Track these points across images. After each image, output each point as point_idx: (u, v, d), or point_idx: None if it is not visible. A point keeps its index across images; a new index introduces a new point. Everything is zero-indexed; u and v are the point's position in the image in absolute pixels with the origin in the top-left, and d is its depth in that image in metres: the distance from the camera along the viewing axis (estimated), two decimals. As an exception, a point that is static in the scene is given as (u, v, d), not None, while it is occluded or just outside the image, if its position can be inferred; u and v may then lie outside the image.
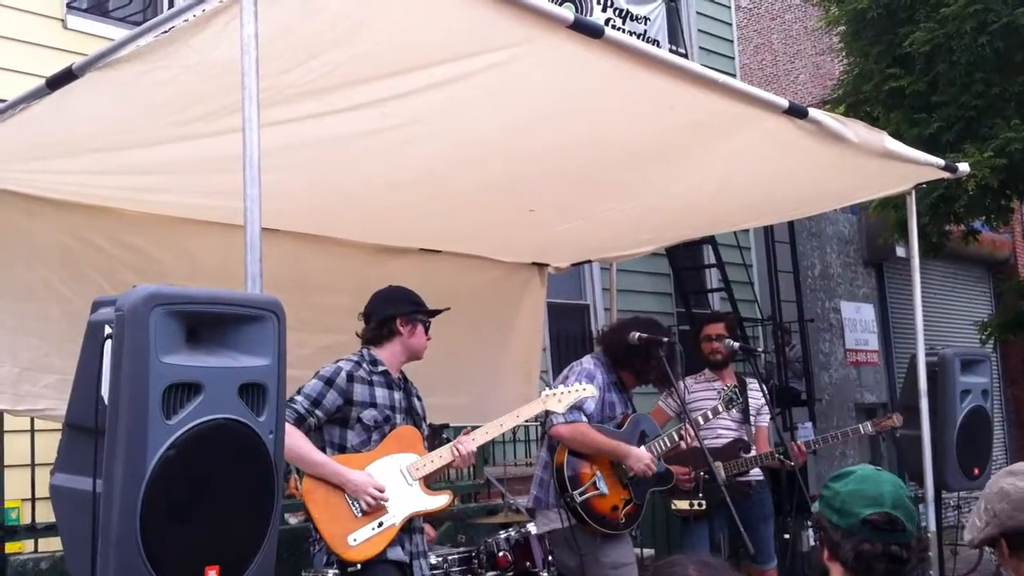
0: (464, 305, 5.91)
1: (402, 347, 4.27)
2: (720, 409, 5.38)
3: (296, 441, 3.80)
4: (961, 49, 8.22)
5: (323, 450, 4.05)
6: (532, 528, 4.93)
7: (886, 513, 2.34)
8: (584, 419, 4.79)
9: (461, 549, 4.90)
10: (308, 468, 3.94)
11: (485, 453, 8.08)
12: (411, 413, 4.29)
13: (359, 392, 4.11)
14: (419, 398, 4.40)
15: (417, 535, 4.18)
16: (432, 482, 4.23)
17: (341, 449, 4.07)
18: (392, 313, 4.26)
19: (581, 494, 4.74)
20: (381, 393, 4.17)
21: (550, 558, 4.92)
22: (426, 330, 4.33)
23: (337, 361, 4.17)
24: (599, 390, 4.87)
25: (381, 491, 3.95)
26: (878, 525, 2.33)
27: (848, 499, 2.38)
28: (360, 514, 3.93)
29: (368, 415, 4.10)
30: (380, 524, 3.96)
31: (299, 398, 3.98)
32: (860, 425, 5.82)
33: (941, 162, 5.14)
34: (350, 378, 4.10)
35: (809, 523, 2.30)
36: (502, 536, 4.86)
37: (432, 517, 5.06)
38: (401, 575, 4.04)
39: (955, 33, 8.20)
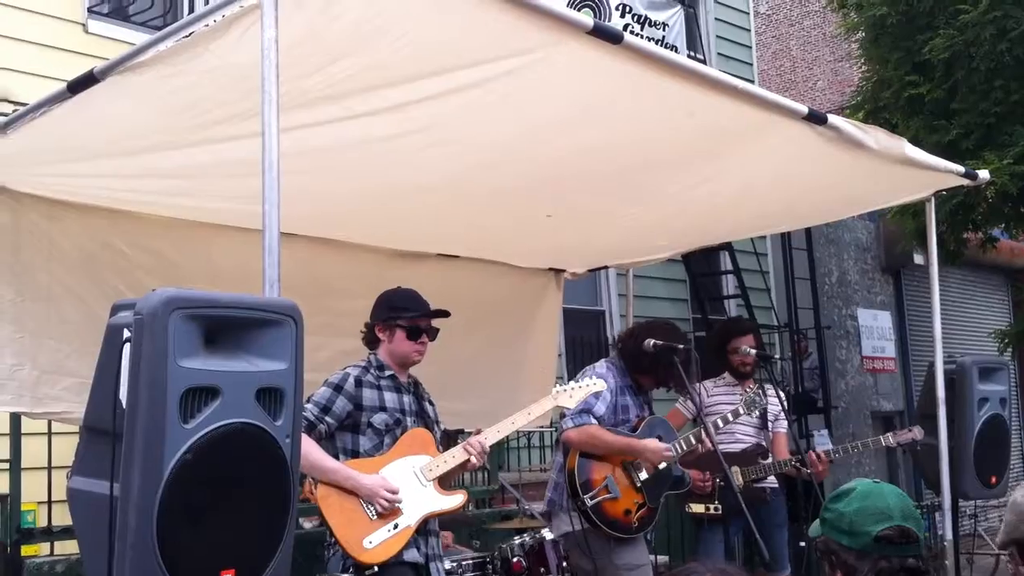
0: (481, 310, 5.93)
1: (388, 353, 4.25)
2: (741, 411, 5.36)
3: (308, 448, 3.79)
4: (980, 56, 8.18)
5: (336, 457, 4.06)
6: (547, 533, 4.93)
7: (898, 526, 2.28)
8: (593, 421, 4.80)
9: (475, 555, 4.88)
10: (321, 475, 3.94)
11: (500, 459, 8.07)
12: (422, 416, 4.29)
13: (368, 397, 4.12)
14: (431, 403, 4.40)
15: (433, 538, 4.18)
16: (447, 484, 4.22)
17: (354, 454, 4.08)
18: (373, 320, 4.28)
19: (592, 498, 4.74)
20: (390, 397, 4.18)
21: (564, 563, 4.91)
22: (409, 335, 4.21)
23: (345, 368, 4.18)
24: (611, 394, 4.88)
25: (395, 493, 3.95)
26: (893, 540, 2.27)
27: (856, 518, 2.30)
28: (375, 517, 3.94)
29: (378, 419, 4.11)
30: (395, 526, 3.96)
31: (309, 406, 3.98)
32: (881, 436, 5.78)
33: (961, 169, 5.11)
34: (358, 383, 4.12)
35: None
36: (516, 542, 4.84)
37: (449, 522, 5.06)
38: None
39: (974, 40, 8.17)
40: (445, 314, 4.33)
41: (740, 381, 5.82)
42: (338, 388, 4.09)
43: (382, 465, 4.04)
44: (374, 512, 3.94)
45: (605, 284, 10.14)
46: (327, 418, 4.04)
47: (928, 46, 8.46)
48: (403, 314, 4.25)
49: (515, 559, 4.76)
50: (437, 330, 4.33)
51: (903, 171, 4.77)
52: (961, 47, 8.27)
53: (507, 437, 8.17)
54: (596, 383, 4.60)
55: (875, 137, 4.41)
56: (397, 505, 3.96)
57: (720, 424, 5.33)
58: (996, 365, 5.62)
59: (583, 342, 9.51)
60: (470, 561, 4.66)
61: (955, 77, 8.50)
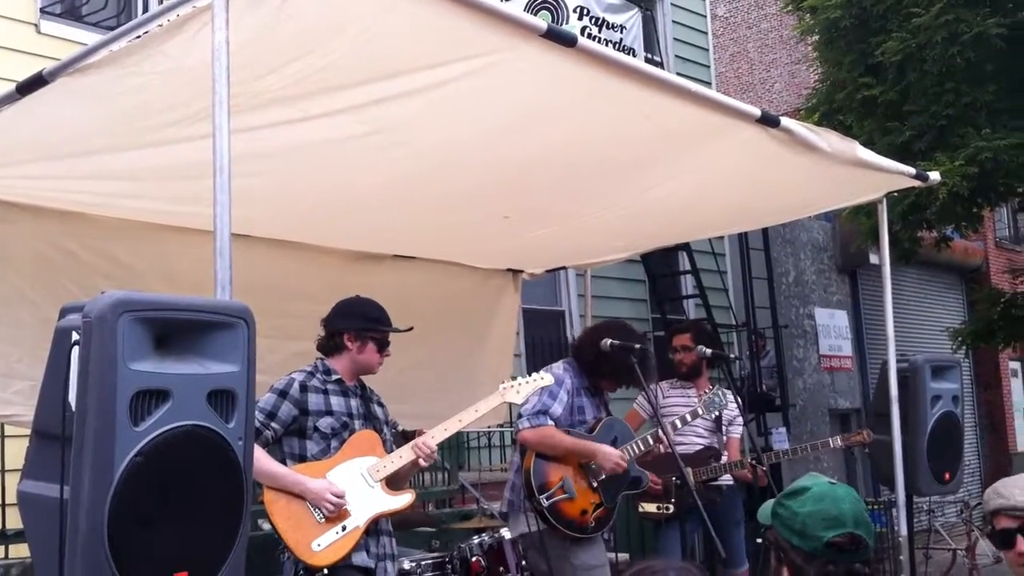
0: (439, 312, 5.92)
1: (351, 361, 4.26)
2: (700, 412, 5.40)
3: (254, 455, 3.78)
4: (932, 59, 8.30)
5: (284, 462, 4.06)
6: (506, 533, 4.94)
7: (850, 534, 2.30)
8: (550, 423, 4.81)
9: (435, 555, 4.89)
10: (267, 481, 3.93)
11: (459, 458, 8.08)
12: (370, 419, 4.28)
13: (314, 401, 4.12)
14: (381, 404, 4.41)
15: (384, 537, 4.19)
16: (396, 484, 4.22)
17: (301, 459, 4.08)
18: (341, 328, 4.26)
19: (548, 498, 4.76)
20: (337, 401, 4.18)
21: (523, 563, 4.92)
22: (379, 347, 4.27)
23: (290, 373, 4.18)
24: (567, 395, 4.90)
25: (340, 496, 3.95)
26: (843, 547, 2.29)
27: (808, 521, 2.32)
28: (323, 520, 3.93)
29: (324, 423, 4.11)
30: (344, 528, 3.96)
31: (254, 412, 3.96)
32: (830, 439, 5.87)
33: (912, 171, 5.19)
34: (303, 388, 4.12)
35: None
36: (475, 541, 4.85)
37: (408, 523, 5.05)
38: None
39: (926, 43, 8.28)
40: (410, 328, 4.39)
41: (694, 382, 5.88)
42: (283, 394, 4.09)
43: (329, 468, 4.04)
44: (322, 515, 3.94)
45: (564, 284, 10.17)
46: (273, 424, 4.04)
47: (881, 48, 8.57)
48: (377, 326, 4.27)
49: (474, 559, 4.77)
50: (389, 343, 4.37)
51: (855, 173, 4.83)
52: (913, 50, 8.39)
53: (466, 436, 8.22)
54: (544, 377, 4.60)
55: (827, 140, 4.47)
56: (344, 507, 3.96)
57: (678, 424, 5.36)
58: (948, 363, 5.70)
59: (543, 342, 9.53)
60: (429, 561, 4.66)
61: (907, 79, 8.62)
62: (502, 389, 4.49)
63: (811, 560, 2.30)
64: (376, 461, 4.13)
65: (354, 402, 4.24)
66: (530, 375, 4.62)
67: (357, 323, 4.26)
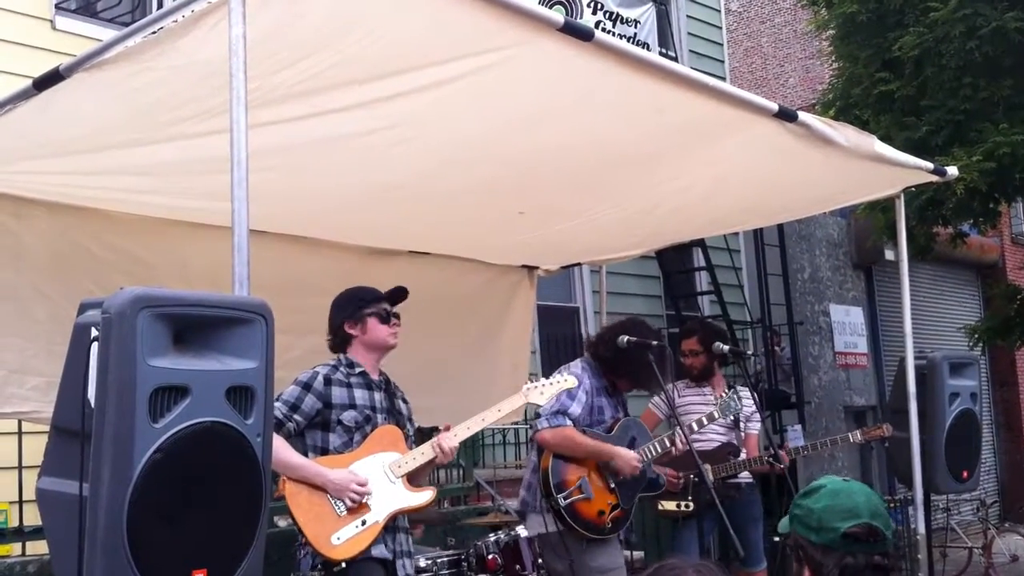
0: (454, 307, 5.92)
1: (364, 346, 4.27)
2: (716, 415, 5.38)
3: (276, 446, 3.76)
4: (950, 53, 8.24)
5: (306, 454, 4.07)
6: (522, 531, 4.93)
7: (866, 524, 2.30)
8: (569, 423, 4.79)
9: (450, 552, 4.88)
10: (289, 472, 3.93)
11: (475, 456, 8.07)
12: (393, 413, 4.29)
13: (337, 395, 4.13)
14: (405, 401, 4.41)
15: (402, 534, 4.19)
16: (417, 481, 4.22)
17: (324, 452, 4.09)
18: (338, 320, 4.28)
19: (566, 498, 4.74)
20: (360, 394, 4.18)
21: (540, 561, 4.91)
22: (381, 320, 4.26)
23: (315, 367, 4.19)
24: (586, 395, 4.88)
25: (363, 485, 3.95)
26: (860, 537, 2.29)
27: (824, 515, 2.34)
28: (343, 513, 3.94)
29: (348, 416, 4.11)
30: (363, 522, 3.97)
31: (278, 404, 3.97)
32: (849, 433, 5.83)
33: (930, 166, 5.16)
34: (327, 381, 4.13)
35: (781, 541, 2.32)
36: (491, 539, 4.84)
37: (422, 518, 5.05)
38: (384, 573, 4.04)
39: (944, 37, 8.22)
40: (404, 291, 4.36)
41: (709, 381, 5.86)
42: (307, 386, 4.10)
43: (351, 462, 4.04)
44: (343, 508, 3.94)
45: (579, 281, 10.14)
46: (296, 416, 4.05)
47: (898, 43, 8.51)
48: (368, 302, 4.28)
49: (490, 556, 4.76)
50: (398, 314, 4.36)
51: (873, 167, 4.80)
52: (931, 44, 8.32)
53: (481, 434, 8.22)
54: (567, 380, 4.59)
55: (844, 134, 4.44)
56: (366, 500, 3.96)
57: (695, 427, 5.34)
58: (966, 360, 5.66)
59: (557, 339, 9.51)
60: (445, 559, 4.65)
61: (925, 74, 8.56)
62: (526, 390, 4.48)
63: (829, 553, 2.31)
64: (398, 457, 4.14)
65: (378, 396, 4.24)
66: (553, 376, 4.61)
67: (350, 309, 4.28)
